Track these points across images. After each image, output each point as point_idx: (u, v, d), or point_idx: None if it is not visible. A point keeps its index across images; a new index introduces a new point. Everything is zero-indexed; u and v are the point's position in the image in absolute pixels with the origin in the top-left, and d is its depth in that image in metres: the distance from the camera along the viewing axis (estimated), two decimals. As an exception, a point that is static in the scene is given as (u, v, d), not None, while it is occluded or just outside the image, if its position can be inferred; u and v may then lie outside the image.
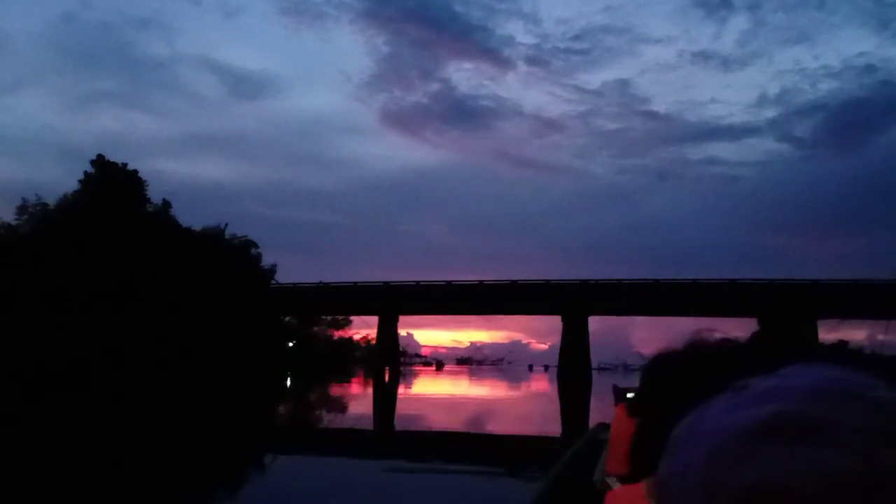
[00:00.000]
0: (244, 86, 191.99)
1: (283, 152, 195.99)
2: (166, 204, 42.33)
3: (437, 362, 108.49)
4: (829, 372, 0.41)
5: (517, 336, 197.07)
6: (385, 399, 24.65)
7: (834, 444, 0.35)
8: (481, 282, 61.45)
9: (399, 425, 15.47)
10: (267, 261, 51.38)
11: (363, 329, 73.16)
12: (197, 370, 31.61)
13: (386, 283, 63.34)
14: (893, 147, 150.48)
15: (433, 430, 13.87)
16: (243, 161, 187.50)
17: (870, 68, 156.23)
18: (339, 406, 21.35)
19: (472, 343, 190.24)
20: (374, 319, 64.97)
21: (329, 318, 67.59)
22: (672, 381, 0.77)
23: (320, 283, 63.33)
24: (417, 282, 62.73)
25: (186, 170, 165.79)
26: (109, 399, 18.93)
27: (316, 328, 65.98)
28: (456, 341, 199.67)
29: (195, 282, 37.40)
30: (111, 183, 38.39)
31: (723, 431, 0.38)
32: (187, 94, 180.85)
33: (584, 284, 58.50)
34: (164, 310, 34.16)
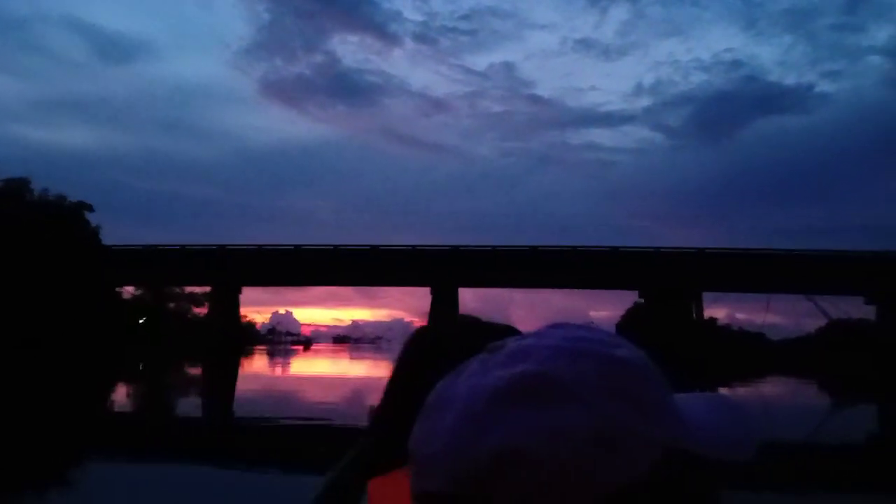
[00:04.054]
0: (114, 49, 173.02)
1: (156, 121, 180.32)
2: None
3: (305, 341, 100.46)
4: (578, 332, 0.43)
5: (399, 314, 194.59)
6: (223, 384, 22.42)
7: (573, 402, 0.37)
8: (336, 247, 54.60)
9: (240, 411, 14.47)
10: (125, 229, 47.03)
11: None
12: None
13: (221, 247, 54.65)
14: (755, 139, 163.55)
15: (271, 418, 12.48)
16: (112, 129, 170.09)
17: (736, 64, 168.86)
18: (183, 391, 19.86)
19: (353, 321, 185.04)
20: (254, 296, 58.07)
21: (186, 291, 63.27)
22: (429, 347, 0.81)
23: (145, 246, 53.97)
24: (259, 246, 54.67)
25: (49, 136, 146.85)
26: None
27: (172, 304, 61.92)
28: (337, 320, 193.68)
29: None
30: None
31: (472, 394, 0.39)
32: (51, 55, 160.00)
33: (454, 251, 53.62)
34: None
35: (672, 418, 0.40)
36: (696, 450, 0.40)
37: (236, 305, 58.88)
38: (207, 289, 59.04)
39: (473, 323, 0.84)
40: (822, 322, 56.95)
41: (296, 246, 55.31)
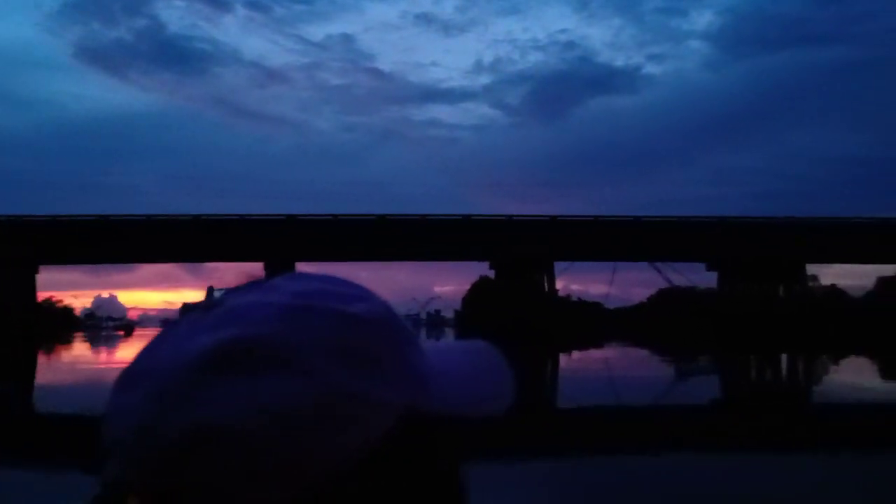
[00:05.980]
0: None
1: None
2: None
3: (127, 325, 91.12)
4: (313, 284, 0.38)
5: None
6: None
7: (289, 370, 0.33)
8: (150, 217, 48.40)
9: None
10: None
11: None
12: None
13: (6, 217, 46.27)
14: (589, 117, 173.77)
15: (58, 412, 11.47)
16: None
17: (570, 45, 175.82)
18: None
19: (184, 304, 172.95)
20: (71, 277, 49.58)
21: None
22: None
23: None
24: (55, 216, 47.03)
25: None
26: None
27: None
28: (167, 302, 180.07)
29: None
30: None
31: (170, 364, 0.34)
32: None
33: (291, 220, 49.56)
34: None
35: (412, 377, 0.36)
36: (440, 409, 0.36)
37: (32, 285, 50.92)
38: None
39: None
40: (653, 290, 59.97)
41: (102, 216, 48.24)
